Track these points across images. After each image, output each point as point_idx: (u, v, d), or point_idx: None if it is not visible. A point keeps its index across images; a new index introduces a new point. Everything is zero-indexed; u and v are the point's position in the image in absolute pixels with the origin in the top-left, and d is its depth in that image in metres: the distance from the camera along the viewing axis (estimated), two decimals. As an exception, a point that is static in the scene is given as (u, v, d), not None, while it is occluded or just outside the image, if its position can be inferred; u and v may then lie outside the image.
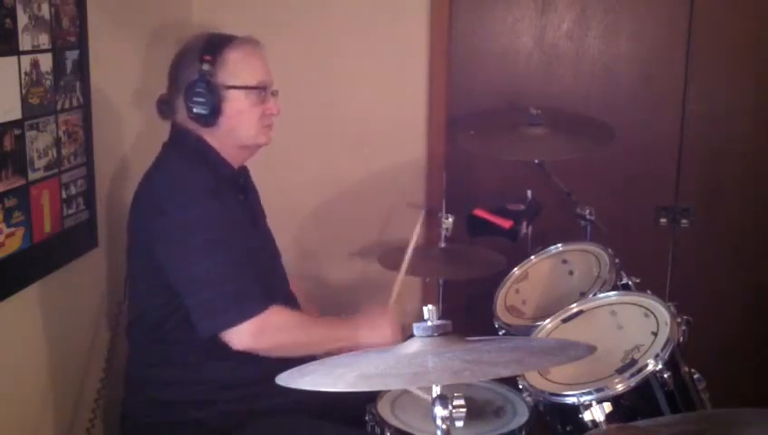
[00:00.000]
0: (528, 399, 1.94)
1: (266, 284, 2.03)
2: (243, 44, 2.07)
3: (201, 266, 1.93)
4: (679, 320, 1.92)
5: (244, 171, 2.20)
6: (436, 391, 1.35)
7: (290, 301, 2.20)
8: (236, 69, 2.04)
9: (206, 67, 2.01)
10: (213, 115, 2.02)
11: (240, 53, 2.06)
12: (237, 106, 2.05)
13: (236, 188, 2.13)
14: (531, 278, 2.44)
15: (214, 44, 2.05)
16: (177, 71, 2.07)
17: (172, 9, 2.82)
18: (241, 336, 1.92)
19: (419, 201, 3.03)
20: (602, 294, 2.12)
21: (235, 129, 2.06)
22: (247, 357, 1.96)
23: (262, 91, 2.08)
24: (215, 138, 2.07)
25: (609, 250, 2.33)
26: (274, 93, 2.13)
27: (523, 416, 1.96)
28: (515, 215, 2.57)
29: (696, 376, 1.93)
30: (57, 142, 2.06)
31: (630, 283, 2.20)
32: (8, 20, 1.83)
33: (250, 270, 1.97)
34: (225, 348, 1.95)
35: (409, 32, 2.94)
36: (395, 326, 2.09)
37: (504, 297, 2.40)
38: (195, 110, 2.01)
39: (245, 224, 2.10)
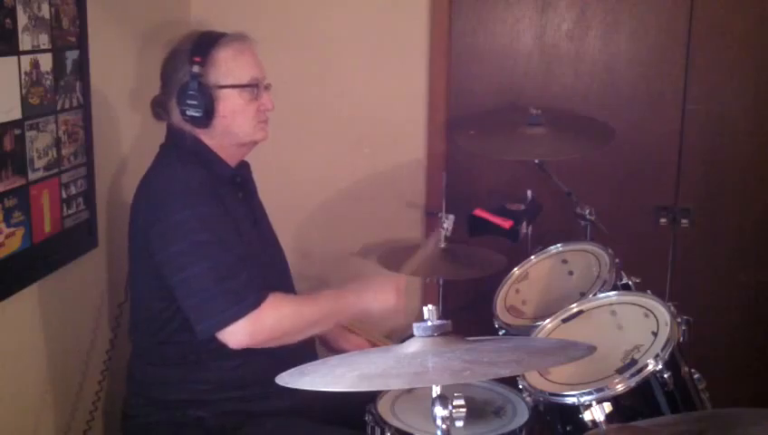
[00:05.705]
0: (528, 399, 1.94)
1: (266, 280, 2.02)
2: (232, 42, 2.05)
3: (196, 268, 1.92)
4: (679, 320, 1.92)
5: (243, 168, 2.19)
6: (436, 391, 1.35)
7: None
8: (227, 68, 2.03)
9: (196, 69, 1.99)
10: (207, 116, 2.01)
11: (230, 50, 2.04)
12: (231, 105, 2.04)
13: (234, 186, 2.12)
14: (531, 278, 2.44)
15: (203, 44, 2.03)
16: (168, 73, 2.06)
17: (171, 8, 2.82)
18: (236, 335, 1.91)
19: (419, 201, 3.03)
20: (602, 294, 2.12)
21: (231, 127, 2.05)
22: (248, 357, 1.96)
23: (254, 87, 2.06)
24: (211, 138, 2.06)
25: (609, 250, 2.33)
26: (267, 87, 2.11)
27: (523, 416, 1.96)
28: (515, 215, 2.57)
29: (696, 376, 1.93)
30: (57, 142, 2.06)
31: (630, 283, 2.20)
32: (8, 20, 1.83)
33: (245, 269, 1.95)
34: (225, 348, 1.95)
35: (409, 32, 2.94)
36: (400, 292, 2.09)
37: (504, 297, 2.40)
38: (188, 112, 2.00)
39: (244, 223, 2.09)
